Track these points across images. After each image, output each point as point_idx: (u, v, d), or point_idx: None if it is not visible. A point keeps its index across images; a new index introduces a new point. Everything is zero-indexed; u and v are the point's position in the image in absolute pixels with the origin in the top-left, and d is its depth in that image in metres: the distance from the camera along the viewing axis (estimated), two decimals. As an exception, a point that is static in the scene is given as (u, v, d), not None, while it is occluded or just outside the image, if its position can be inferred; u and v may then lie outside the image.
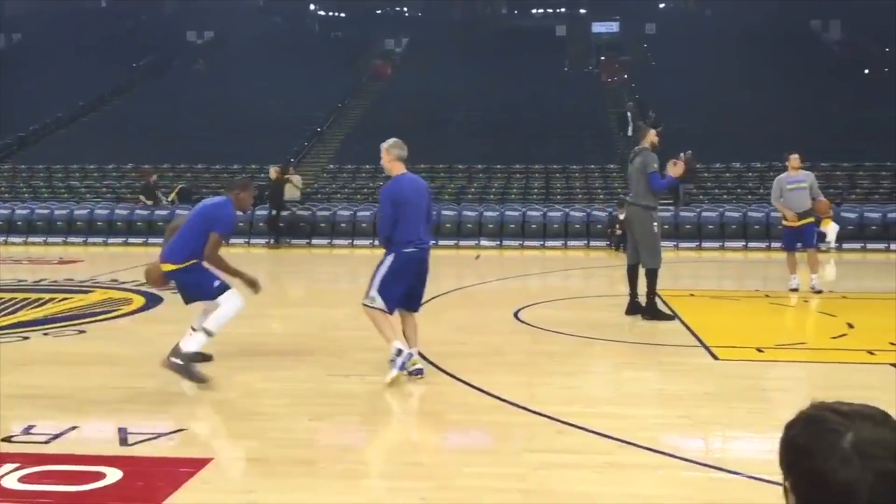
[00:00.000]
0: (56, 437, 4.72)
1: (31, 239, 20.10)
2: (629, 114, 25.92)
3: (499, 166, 23.88)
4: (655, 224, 8.84)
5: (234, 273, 6.11)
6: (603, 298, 10.38)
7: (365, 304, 6.06)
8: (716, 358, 6.88)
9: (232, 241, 18.82)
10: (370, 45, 37.67)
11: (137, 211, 20.42)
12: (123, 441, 4.67)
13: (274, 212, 19.28)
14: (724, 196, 21.32)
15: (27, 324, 8.50)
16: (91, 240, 19.87)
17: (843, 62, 31.59)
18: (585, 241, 19.01)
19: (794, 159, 10.89)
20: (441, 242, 16.96)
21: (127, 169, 24.71)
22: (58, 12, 38.89)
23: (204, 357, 6.18)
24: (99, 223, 20.26)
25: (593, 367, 6.86)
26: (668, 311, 8.92)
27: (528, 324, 8.58)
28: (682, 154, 20.18)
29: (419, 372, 6.04)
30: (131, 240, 19.58)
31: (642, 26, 36.81)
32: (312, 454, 4.83)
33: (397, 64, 35.48)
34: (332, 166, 24.44)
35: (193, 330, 6.00)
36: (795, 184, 10.79)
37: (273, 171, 19.66)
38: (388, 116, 25.82)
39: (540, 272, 15.23)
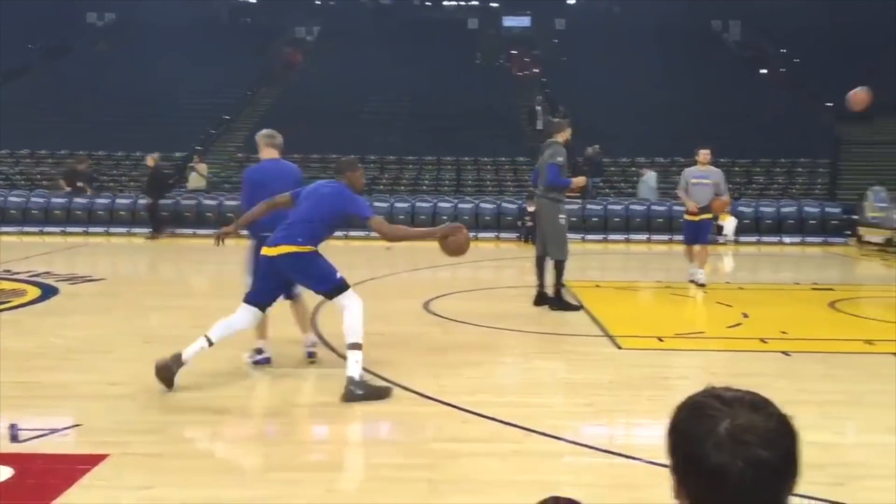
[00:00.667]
0: (-59, 434, 4.49)
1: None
2: (539, 108, 26.31)
3: (410, 157, 23.89)
4: (562, 216, 9.01)
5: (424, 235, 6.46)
6: (512, 289, 10.51)
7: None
8: (619, 347, 7.06)
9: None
10: (281, 32, 37.01)
11: (54, 199, 19.59)
12: (14, 438, 4.49)
13: (151, 200, 18.76)
14: (630, 190, 21.87)
15: None
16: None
17: (742, 61, 32.76)
18: (496, 233, 19.24)
19: (703, 154, 11.12)
20: (351, 233, 16.86)
21: (22, 154, 23.63)
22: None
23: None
24: (12, 211, 19.34)
25: (501, 357, 6.93)
26: (575, 302, 9.11)
27: (438, 315, 8.63)
28: (588, 148, 20.81)
29: (265, 361, 6.21)
30: (47, 229, 18.77)
31: (553, 21, 37.31)
32: (213, 447, 4.74)
33: (308, 52, 34.97)
34: (240, 155, 23.94)
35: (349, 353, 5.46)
36: (700, 179, 11.08)
37: (150, 159, 19.14)
38: (298, 105, 25.46)
39: (450, 263, 15.13)
